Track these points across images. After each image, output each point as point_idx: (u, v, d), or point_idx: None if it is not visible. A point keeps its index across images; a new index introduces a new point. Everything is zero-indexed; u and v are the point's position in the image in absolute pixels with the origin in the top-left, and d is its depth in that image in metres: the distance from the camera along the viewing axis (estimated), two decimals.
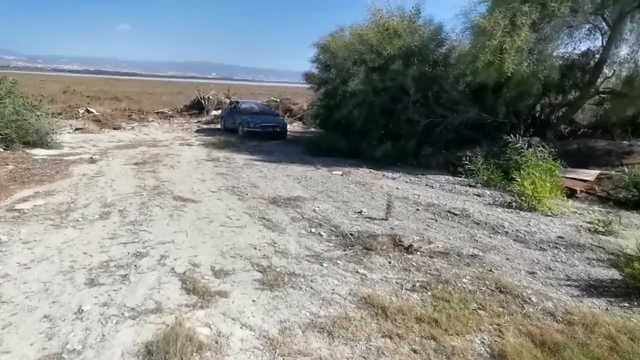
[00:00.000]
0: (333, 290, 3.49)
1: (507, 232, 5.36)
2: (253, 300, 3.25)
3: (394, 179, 8.86)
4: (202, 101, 21.54)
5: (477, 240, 5.07)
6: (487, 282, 3.66)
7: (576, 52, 10.63)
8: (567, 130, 12.67)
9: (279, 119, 16.87)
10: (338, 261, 4.18)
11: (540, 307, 3.14)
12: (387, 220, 5.79)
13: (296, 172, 9.02)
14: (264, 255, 4.28)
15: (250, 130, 14.57)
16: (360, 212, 6.12)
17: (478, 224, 5.76)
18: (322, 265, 4.05)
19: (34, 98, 11.27)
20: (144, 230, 4.84)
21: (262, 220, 5.49)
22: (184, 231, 4.89)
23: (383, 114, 11.58)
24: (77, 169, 8.22)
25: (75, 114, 17.08)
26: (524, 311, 3.06)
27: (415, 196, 7.25)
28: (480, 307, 3.12)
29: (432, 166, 10.10)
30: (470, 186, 8.16)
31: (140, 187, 6.94)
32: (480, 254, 4.56)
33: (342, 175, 8.93)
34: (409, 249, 4.59)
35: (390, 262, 4.22)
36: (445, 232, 5.36)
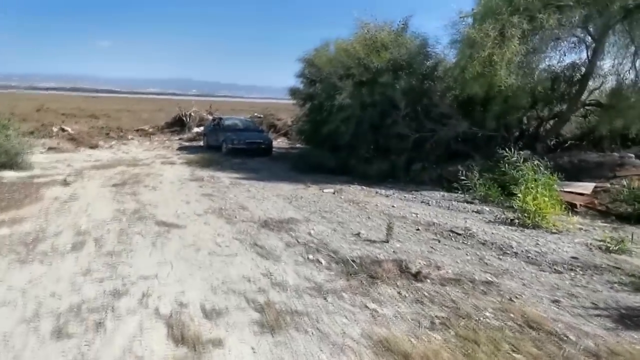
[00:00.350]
0: (343, 331, 3.07)
1: (516, 253, 5.05)
2: (253, 350, 2.79)
3: (387, 196, 8.53)
4: (184, 118, 21.00)
5: (486, 264, 4.73)
6: (512, 315, 3.30)
7: (563, 64, 10.66)
8: (552, 143, 12.67)
9: (264, 135, 16.48)
10: (343, 293, 3.76)
11: (580, 347, 2.78)
12: (388, 242, 5.41)
13: (286, 191, 8.60)
14: (260, 289, 3.82)
15: (234, 147, 14.11)
16: (358, 234, 5.73)
17: (484, 244, 5.44)
18: (326, 300, 3.62)
19: (2, 117, 10.56)
20: (122, 263, 4.33)
21: (255, 247, 5.03)
22: (168, 262, 4.40)
23: (371, 128, 11.34)
24: (49, 192, 7.61)
25: (49, 133, 16.30)
26: (564, 353, 2.70)
27: (413, 215, 6.91)
28: (514, 349, 2.75)
29: (424, 182, 9.83)
30: (467, 202, 7.89)
31: (119, 212, 6.39)
32: (494, 279, 4.21)
33: (334, 193, 8.56)
34: (417, 276, 4.22)
35: (400, 293, 3.82)
36: (452, 255, 5.01)
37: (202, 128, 20.38)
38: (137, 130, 20.31)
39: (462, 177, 8.41)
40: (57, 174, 9.69)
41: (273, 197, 7.97)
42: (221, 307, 3.41)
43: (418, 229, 6.09)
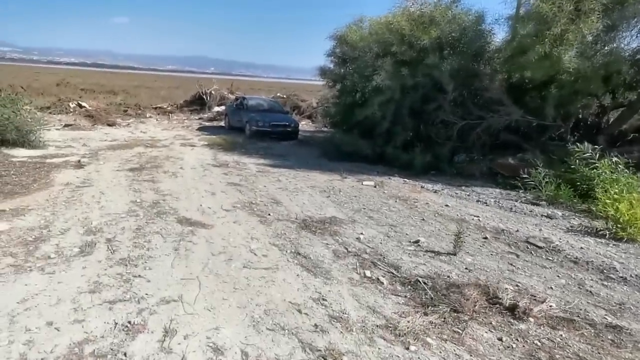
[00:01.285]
0: None
1: (626, 279, 4.02)
2: None
3: (436, 192, 7.50)
4: (204, 96, 20.10)
5: (591, 292, 3.73)
6: None
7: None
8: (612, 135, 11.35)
9: (290, 117, 15.47)
10: (427, 338, 2.83)
11: None
12: (455, 255, 4.44)
13: (320, 182, 7.65)
14: (316, 326, 2.92)
15: (258, 129, 13.16)
16: (417, 243, 4.77)
17: (576, 262, 4.42)
18: (407, 349, 2.69)
19: (12, 90, 9.79)
20: (139, 277, 3.47)
21: (297, 257, 4.13)
22: (195, 278, 3.52)
23: (412, 114, 10.24)
24: (60, 176, 6.82)
25: (66, 109, 15.61)
26: None
27: (474, 218, 5.89)
28: None
29: (473, 176, 8.74)
30: (532, 203, 6.82)
31: (135, 204, 5.55)
32: (617, 321, 3.22)
33: (375, 187, 7.57)
34: (514, 311, 3.25)
35: (501, 340, 2.87)
36: (540, 277, 4.02)
37: (223, 107, 19.49)
38: (155, 108, 19.53)
39: (524, 174, 7.32)
40: (71, 154, 8.94)
41: (308, 190, 7.03)
42: (270, 358, 2.51)
43: (486, 238, 5.09)
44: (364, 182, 7.80)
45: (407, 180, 8.22)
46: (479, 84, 9.50)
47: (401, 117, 10.21)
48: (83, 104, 16.37)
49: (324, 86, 13.78)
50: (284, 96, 22.27)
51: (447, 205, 6.51)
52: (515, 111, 9.35)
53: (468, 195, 7.29)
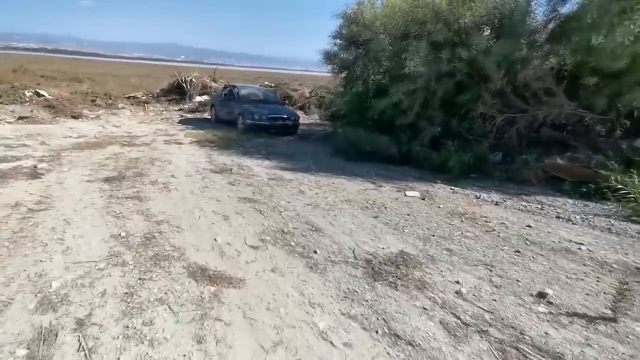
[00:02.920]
0: None
1: None
2: None
3: (497, 204, 6.03)
4: (184, 85, 17.98)
5: None
6: None
7: None
8: None
9: (290, 109, 13.70)
10: None
11: None
12: (616, 321, 2.96)
13: (354, 194, 6.05)
14: None
15: (254, 123, 11.36)
16: (543, 297, 3.26)
17: None
18: None
19: None
20: None
21: (397, 345, 2.53)
22: None
23: (443, 106, 8.75)
24: (6, 193, 4.92)
25: (20, 98, 13.25)
26: None
27: (580, 248, 4.44)
28: None
29: (529, 181, 7.32)
30: (632, 221, 5.43)
31: (119, 240, 3.78)
32: None
33: (422, 198, 6.02)
34: None
35: None
36: None
37: (205, 97, 17.50)
38: (129, 98, 17.29)
39: (599, 178, 5.96)
40: (24, 157, 6.96)
41: (345, 206, 5.41)
42: None
43: (626, 283, 3.62)
44: (407, 193, 6.24)
45: (454, 189, 6.72)
46: (527, 71, 8.05)
47: (430, 110, 8.70)
48: (42, 92, 14.03)
49: (332, 73, 12.01)
50: (272, 85, 20.37)
51: (529, 226, 5.04)
52: (566, 103, 8.00)
53: (539, 208, 5.86)
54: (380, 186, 6.57)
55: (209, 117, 14.64)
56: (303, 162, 8.21)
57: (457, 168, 7.66)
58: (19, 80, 18.84)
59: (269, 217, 4.74)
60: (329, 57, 11.63)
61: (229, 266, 3.41)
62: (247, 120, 11.40)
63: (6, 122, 10.50)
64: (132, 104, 16.76)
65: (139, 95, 17.90)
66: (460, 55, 7.99)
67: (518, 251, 4.23)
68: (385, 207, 5.44)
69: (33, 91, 13.92)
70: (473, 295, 3.25)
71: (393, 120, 9.48)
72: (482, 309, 3.05)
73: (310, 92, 18.55)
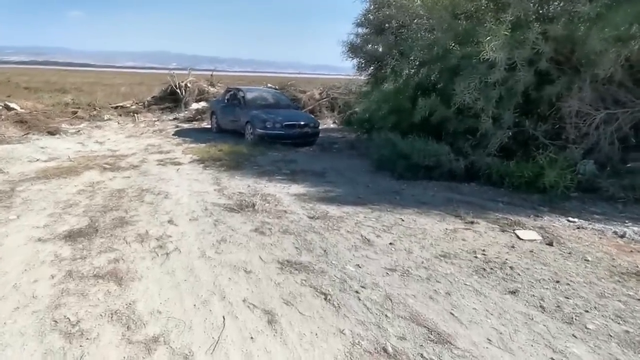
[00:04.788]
0: None
1: None
2: None
3: None
4: (178, 91, 15.92)
5: None
6: None
7: None
8: None
9: (307, 115, 11.69)
10: None
11: None
12: None
13: (443, 240, 4.03)
14: None
15: (266, 133, 9.32)
16: None
17: None
18: None
19: None
20: None
21: None
22: None
23: (522, 102, 6.77)
24: None
25: None
26: None
27: None
28: None
29: None
30: None
31: None
32: None
33: (549, 244, 3.99)
34: None
35: None
36: None
37: (203, 104, 15.47)
38: (116, 108, 15.22)
39: None
40: None
41: (448, 269, 3.38)
42: None
43: None
44: (520, 234, 4.21)
45: (574, 221, 4.69)
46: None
47: (500, 109, 6.72)
48: (12, 105, 11.92)
49: (358, 71, 10.02)
50: (276, 87, 18.32)
51: None
52: None
53: None
54: (472, 222, 4.54)
55: (209, 126, 12.60)
56: (342, 185, 6.20)
57: (557, 186, 5.66)
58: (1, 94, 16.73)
59: (344, 310, 2.70)
60: (353, 49, 9.64)
61: None
62: (258, 130, 9.36)
63: None
64: (120, 115, 14.69)
65: (128, 105, 15.81)
66: (548, 34, 6.00)
67: None
68: (511, 267, 3.42)
69: (2, 104, 11.82)
70: None
71: (443, 123, 7.54)
72: None
73: (320, 94, 16.54)
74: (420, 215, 4.78)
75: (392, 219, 4.60)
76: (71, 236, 3.77)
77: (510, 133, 6.90)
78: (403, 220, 4.56)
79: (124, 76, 50.55)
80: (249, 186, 5.99)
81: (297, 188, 5.97)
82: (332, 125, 14.55)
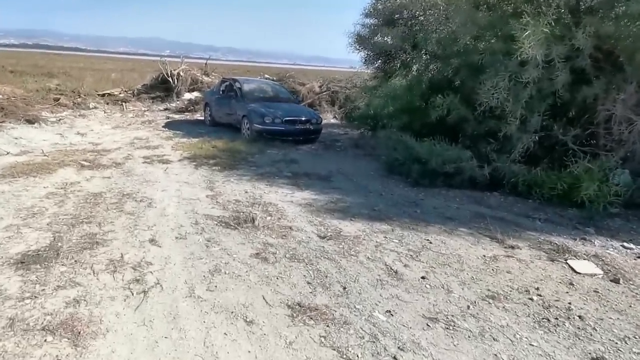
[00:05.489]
0: None
1: None
2: None
3: None
4: (170, 79, 14.97)
5: None
6: None
7: None
8: None
9: (309, 109, 10.88)
10: None
11: None
12: None
13: (483, 273, 3.33)
14: None
15: (265, 128, 8.52)
16: None
17: None
18: None
19: None
20: None
21: None
22: None
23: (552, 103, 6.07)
24: None
25: None
26: None
27: None
28: None
29: None
30: None
31: None
32: None
33: (614, 280, 3.30)
34: None
35: None
36: None
37: (196, 94, 14.59)
38: (103, 96, 14.25)
39: None
40: None
41: (503, 319, 2.67)
42: None
43: None
44: (574, 266, 3.51)
45: (632, 248, 4.01)
46: None
47: (529, 111, 6.01)
48: None
49: (366, 64, 9.23)
50: (274, 78, 17.44)
51: None
52: None
53: None
54: (512, 247, 3.83)
55: (202, 118, 11.76)
56: (352, 192, 5.47)
57: (598, 201, 4.98)
58: None
59: None
60: (361, 40, 8.84)
61: None
62: (256, 125, 8.56)
63: None
64: (108, 103, 13.74)
65: (116, 92, 14.84)
66: (588, 28, 5.27)
67: None
68: (580, 317, 2.72)
69: None
70: None
71: (460, 124, 6.84)
72: None
73: (320, 87, 15.71)
74: (450, 235, 4.07)
75: (418, 241, 3.87)
76: (25, 261, 2.99)
77: (536, 137, 6.19)
78: (431, 243, 3.84)
79: (115, 62, 49.02)
80: (246, 192, 5.23)
81: (301, 195, 5.22)
82: (332, 120, 13.76)
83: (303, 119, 8.87)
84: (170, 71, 15.18)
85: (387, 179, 6.38)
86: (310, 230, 3.99)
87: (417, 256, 3.53)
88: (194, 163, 6.64)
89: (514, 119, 5.65)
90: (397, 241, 3.85)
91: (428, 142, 6.35)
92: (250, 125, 8.68)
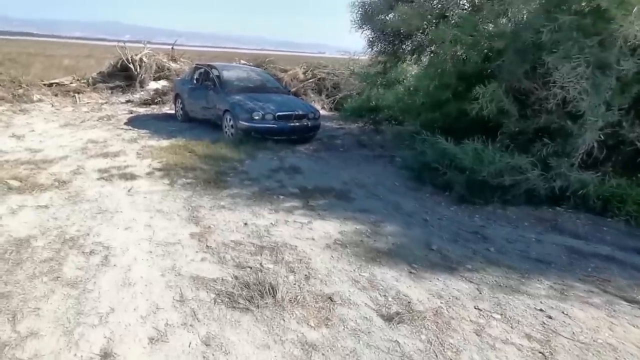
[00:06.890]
0: None
1: None
2: None
3: None
4: (132, 66, 12.93)
5: None
6: None
7: None
8: None
9: (304, 102, 9.32)
10: None
11: None
12: None
13: None
14: None
15: (254, 126, 6.91)
16: None
17: None
18: None
19: None
20: None
21: None
22: None
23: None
24: None
25: None
26: None
27: None
28: None
29: None
30: None
31: None
32: None
33: None
34: None
35: None
36: None
37: (164, 83, 12.69)
38: (51, 86, 12.09)
39: None
40: None
41: None
42: None
43: None
44: None
45: None
46: None
47: (608, 105, 4.77)
48: None
49: (367, 44, 7.73)
50: (251, 64, 15.64)
51: None
52: None
53: None
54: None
55: (172, 112, 9.98)
56: (387, 217, 4.06)
57: None
58: None
59: None
60: (367, 16, 7.32)
61: None
62: (242, 123, 6.94)
63: None
64: (57, 95, 11.64)
65: (66, 82, 12.67)
66: None
67: None
68: None
69: None
70: None
71: (497, 121, 5.57)
72: None
73: (304, 73, 14.11)
74: (564, 298, 2.75)
75: (530, 315, 2.53)
76: None
77: (601, 137, 4.96)
78: (551, 318, 2.50)
79: (70, 47, 45.13)
80: (246, 224, 3.72)
81: (322, 227, 3.77)
82: (322, 112, 12.26)
83: (299, 113, 7.33)
84: (132, 56, 13.13)
85: (419, 193, 5.02)
86: (363, 303, 2.57)
87: (551, 355, 2.17)
88: (168, 178, 5.02)
89: (593, 117, 4.37)
90: (499, 317, 2.49)
91: (470, 145, 5.01)
92: (235, 122, 7.06)
